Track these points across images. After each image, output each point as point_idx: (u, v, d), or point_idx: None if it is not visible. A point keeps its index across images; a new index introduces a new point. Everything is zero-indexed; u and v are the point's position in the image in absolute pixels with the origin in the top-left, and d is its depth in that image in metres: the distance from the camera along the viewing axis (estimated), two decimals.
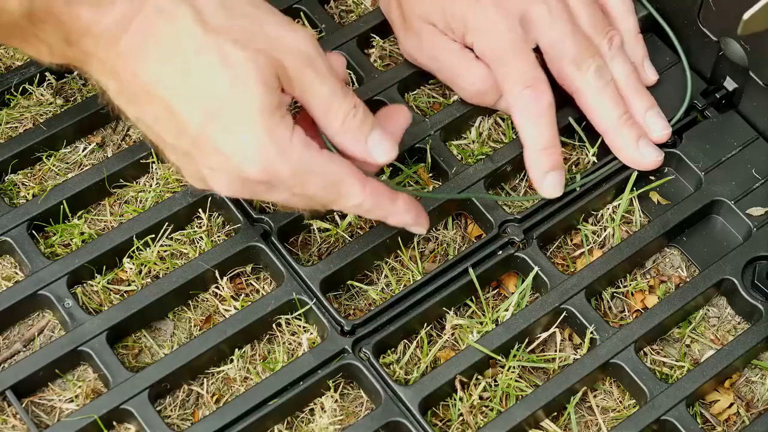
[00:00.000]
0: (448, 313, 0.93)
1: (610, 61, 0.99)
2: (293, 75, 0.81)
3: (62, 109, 1.01)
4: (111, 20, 0.78)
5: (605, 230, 0.98)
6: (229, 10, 0.80)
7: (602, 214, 0.99)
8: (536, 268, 0.93)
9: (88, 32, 0.78)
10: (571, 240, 0.98)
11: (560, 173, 0.95)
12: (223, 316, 0.93)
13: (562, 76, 0.98)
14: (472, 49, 0.97)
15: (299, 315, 0.92)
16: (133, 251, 0.95)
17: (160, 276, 0.94)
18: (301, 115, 0.87)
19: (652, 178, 1.00)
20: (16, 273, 0.94)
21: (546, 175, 0.94)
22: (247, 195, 0.85)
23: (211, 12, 0.80)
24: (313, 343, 0.91)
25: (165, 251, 0.95)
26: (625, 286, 0.96)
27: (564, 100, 0.99)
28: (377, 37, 1.06)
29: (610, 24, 1.01)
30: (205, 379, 0.91)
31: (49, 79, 1.03)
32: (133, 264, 0.94)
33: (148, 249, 0.95)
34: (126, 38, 0.78)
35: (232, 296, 0.93)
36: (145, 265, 0.95)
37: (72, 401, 0.89)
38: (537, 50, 0.98)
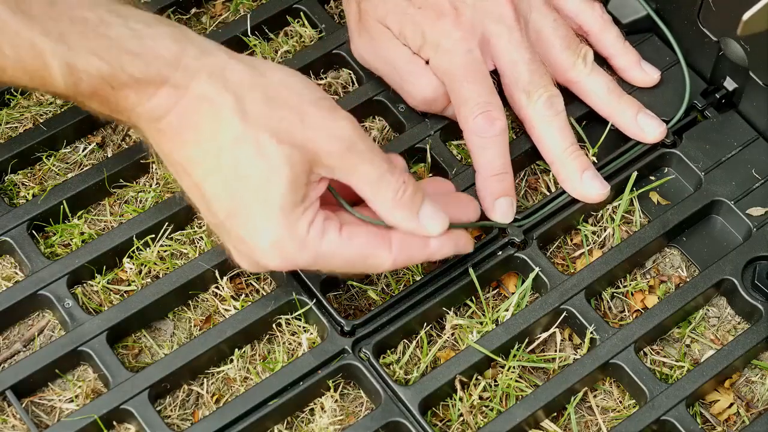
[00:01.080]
0: (448, 313, 0.93)
1: (588, 77, 0.99)
2: (333, 163, 0.82)
3: (62, 109, 1.01)
4: (154, 104, 0.80)
5: (605, 230, 0.98)
6: (271, 100, 0.81)
7: (602, 215, 0.99)
8: (536, 269, 0.93)
9: (131, 110, 0.80)
10: (571, 240, 0.98)
11: (510, 200, 0.95)
12: (223, 316, 0.93)
13: (513, 102, 0.98)
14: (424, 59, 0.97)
15: (299, 315, 0.92)
16: (133, 251, 0.95)
17: (160, 276, 0.94)
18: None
19: (652, 178, 1.00)
20: (16, 273, 0.94)
21: (496, 202, 0.95)
22: (275, 270, 0.88)
23: (252, 101, 0.80)
24: (313, 343, 0.91)
25: (165, 251, 0.95)
26: (625, 286, 0.96)
27: (566, 100, 0.98)
28: None
29: (587, 40, 1.02)
30: (205, 379, 0.91)
31: None
32: (133, 264, 0.94)
33: (148, 249, 0.95)
34: (167, 119, 0.80)
35: (232, 296, 0.93)
36: (145, 265, 0.95)
37: (72, 401, 0.89)
38: (496, 72, 0.98)
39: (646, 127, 0.99)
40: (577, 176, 0.96)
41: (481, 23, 0.96)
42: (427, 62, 0.96)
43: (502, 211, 0.95)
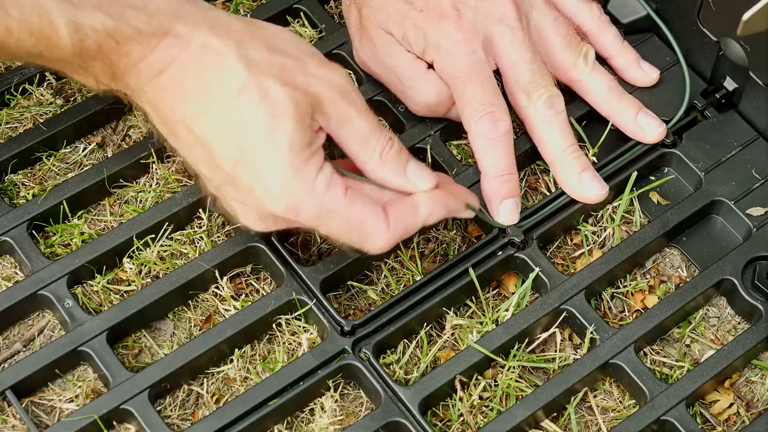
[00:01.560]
0: (448, 313, 0.93)
1: (589, 75, 0.99)
2: (331, 110, 0.83)
3: (62, 109, 1.01)
4: (157, 56, 0.81)
5: (605, 230, 0.98)
6: (271, 49, 0.83)
7: (602, 215, 0.99)
8: (536, 269, 0.93)
9: (133, 67, 0.81)
10: (571, 240, 0.98)
11: (515, 201, 0.95)
12: (223, 316, 0.93)
13: (514, 102, 0.98)
14: (427, 62, 0.97)
15: (299, 315, 0.92)
16: (133, 251, 0.95)
17: (160, 276, 0.94)
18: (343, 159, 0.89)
19: (652, 178, 1.00)
20: (16, 273, 0.94)
21: (502, 203, 0.95)
22: (281, 227, 0.88)
23: (255, 49, 0.82)
24: (313, 343, 0.91)
25: (165, 251, 0.95)
26: (625, 286, 0.96)
27: (566, 99, 0.99)
28: None
29: (586, 40, 1.01)
30: (205, 379, 0.91)
31: (49, 79, 1.03)
32: (133, 264, 0.94)
33: (148, 249, 0.95)
34: (169, 72, 0.81)
35: (232, 296, 0.93)
36: (145, 265, 0.95)
37: (72, 401, 0.89)
38: (498, 71, 0.98)
39: (646, 127, 0.99)
40: (576, 177, 0.96)
41: (483, 24, 0.96)
42: (431, 66, 0.96)
43: (508, 212, 0.95)
